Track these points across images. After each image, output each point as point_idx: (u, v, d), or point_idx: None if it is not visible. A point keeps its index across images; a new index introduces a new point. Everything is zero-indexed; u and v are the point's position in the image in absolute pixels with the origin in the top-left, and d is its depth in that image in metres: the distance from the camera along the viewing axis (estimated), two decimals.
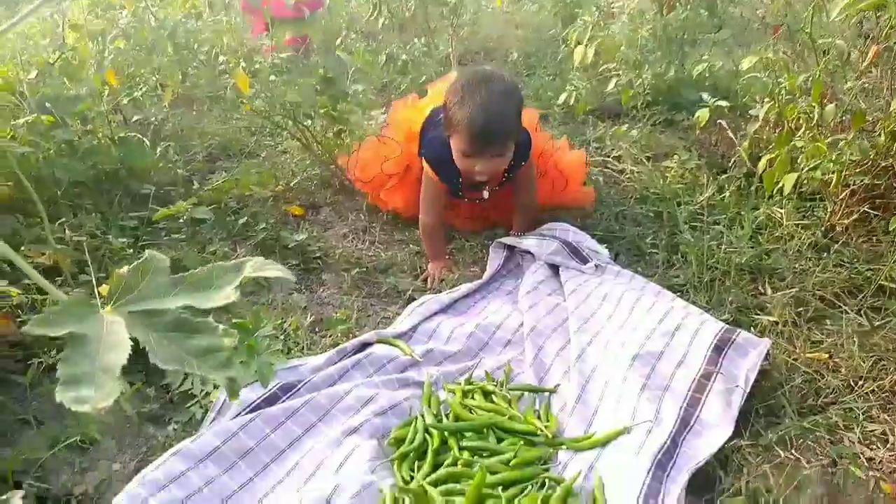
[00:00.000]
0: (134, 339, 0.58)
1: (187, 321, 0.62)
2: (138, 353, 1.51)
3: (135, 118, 2.64)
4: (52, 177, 2.10)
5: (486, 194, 2.12)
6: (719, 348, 1.55)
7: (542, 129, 2.52)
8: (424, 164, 2.10)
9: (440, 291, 1.95)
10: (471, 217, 2.37)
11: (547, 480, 1.25)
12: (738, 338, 1.57)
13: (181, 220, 2.19)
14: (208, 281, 0.65)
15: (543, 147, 2.34)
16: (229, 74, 2.28)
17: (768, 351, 1.58)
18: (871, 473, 1.36)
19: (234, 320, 1.61)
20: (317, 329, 1.81)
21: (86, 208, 2.19)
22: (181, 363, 0.59)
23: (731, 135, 2.47)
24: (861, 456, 1.40)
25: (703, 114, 2.28)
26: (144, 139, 2.47)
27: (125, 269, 0.63)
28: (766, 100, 2.08)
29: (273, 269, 0.66)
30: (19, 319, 1.64)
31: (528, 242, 2.06)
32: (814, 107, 1.89)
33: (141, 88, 2.49)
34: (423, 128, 2.26)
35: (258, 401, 1.47)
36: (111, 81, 2.38)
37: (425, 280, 2.07)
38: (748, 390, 1.46)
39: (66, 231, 1.97)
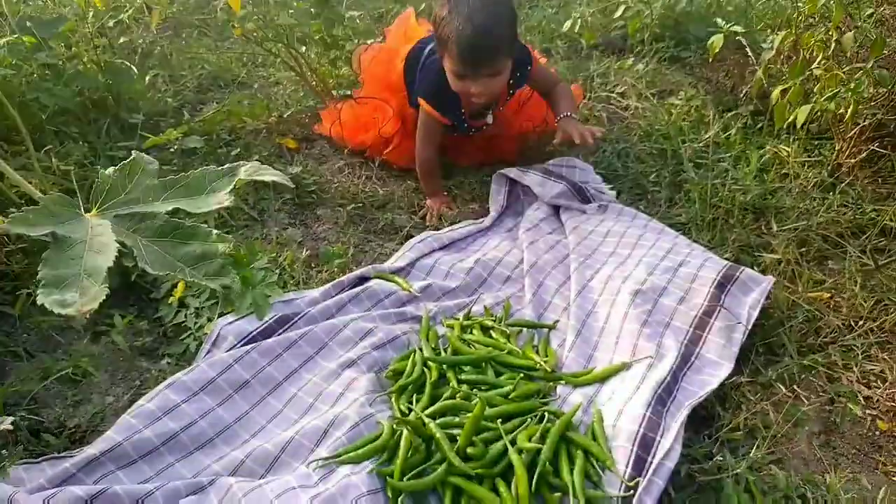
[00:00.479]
0: (121, 245, 0.54)
1: (179, 226, 0.58)
2: (129, 287, 1.47)
3: (121, 41, 2.52)
4: (37, 102, 2.02)
5: (489, 119, 2.03)
6: (722, 285, 1.52)
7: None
8: (421, 103, 1.97)
9: (439, 228, 1.91)
10: (475, 149, 2.26)
11: (546, 413, 1.25)
12: (741, 275, 1.55)
13: (172, 151, 2.13)
14: (201, 185, 0.61)
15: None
16: None
17: (770, 288, 1.57)
18: (867, 412, 1.37)
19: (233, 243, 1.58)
20: (312, 264, 1.78)
21: (72, 137, 2.11)
22: (172, 269, 0.55)
23: (750, 56, 2.38)
24: (859, 394, 1.40)
25: (716, 39, 2.18)
26: (132, 66, 2.37)
27: (110, 170, 0.58)
28: (782, 28, 1.99)
29: (269, 174, 0.62)
30: (5, 249, 1.59)
31: (532, 179, 1.98)
32: (831, 35, 1.81)
33: (127, 10, 2.37)
34: (405, 70, 2.11)
35: (254, 332, 1.45)
36: (96, 2, 2.26)
37: (424, 217, 2.02)
38: (749, 327, 1.45)
39: (53, 160, 1.90)
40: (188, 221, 0.57)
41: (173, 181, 0.60)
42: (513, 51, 1.85)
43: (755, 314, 1.47)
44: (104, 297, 0.50)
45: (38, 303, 0.50)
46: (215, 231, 0.58)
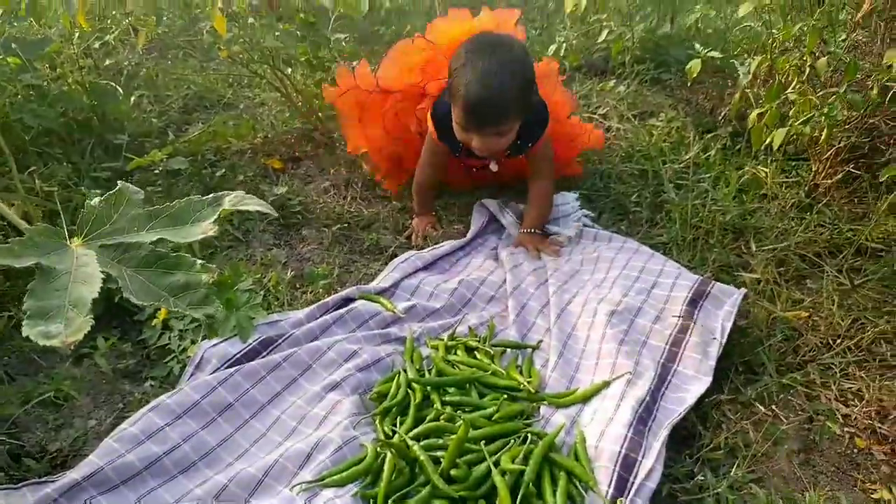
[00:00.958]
0: (106, 275, 0.55)
1: (163, 256, 0.59)
2: (113, 309, 1.47)
3: (106, 63, 2.53)
4: (21, 123, 2.02)
5: (493, 167, 1.96)
6: (694, 301, 1.57)
7: (561, 85, 2.22)
8: (429, 119, 1.94)
9: (423, 248, 1.92)
10: (480, 181, 2.21)
11: (529, 435, 1.26)
12: (712, 289, 1.60)
13: (157, 172, 2.13)
14: (185, 215, 0.61)
15: (559, 113, 2.11)
16: (206, 17, 2.18)
17: (743, 301, 1.60)
18: (846, 430, 1.39)
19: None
20: (297, 285, 1.78)
21: (56, 158, 2.11)
22: (157, 299, 0.56)
23: (727, 81, 2.43)
24: (837, 412, 1.42)
25: (694, 64, 2.23)
26: (117, 87, 2.38)
27: (96, 200, 0.59)
28: (758, 53, 2.04)
29: (253, 203, 0.63)
30: None
31: (508, 221, 2.02)
32: (806, 60, 1.86)
33: (113, 31, 2.38)
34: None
35: (238, 355, 1.45)
36: (81, 23, 2.27)
37: (409, 237, 2.03)
38: (724, 340, 1.47)
39: (36, 181, 1.90)
40: (172, 251, 0.58)
41: (158, 211, 0.60)
42: (523, 112, 1.77)
43: (729, 326, 1.51)
44: (89, 328, 0.51)
45: (24, 334, 0.51)
46: (199, 261, 0.59)
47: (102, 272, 0.55)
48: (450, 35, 2.02)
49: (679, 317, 1.54)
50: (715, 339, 1.47)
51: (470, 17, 2.10)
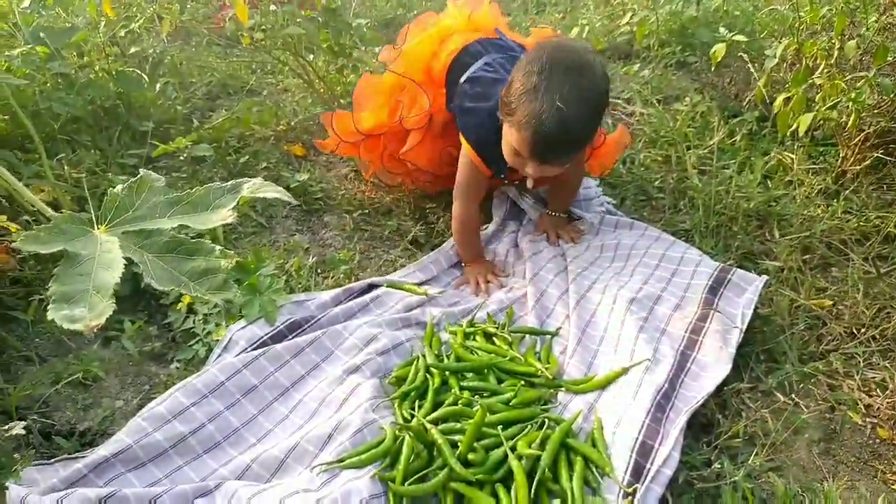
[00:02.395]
0: (128, 260, 0.57)
1: (183, 242, 0.60)
2: (139, 293, 1.50)
3: (132, 50, 2.56)
4: (50, 111, 2.06)
5: (530, 184, 1.67)
6: (714, 289, 1.56)
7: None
8: (464, 143, 1.71)
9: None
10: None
11: (546, 420, 1.26)
12: (733, 276, 1.59)
13: (182, 159, 2.16)
14: (205, 201, 0.63)
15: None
16: (229, 4, 2.19)
17: (764, 288, 1.59)
18: (868, 420, 1.37)
19: (235, 259, 1.61)
20: (319, 270, 1.80)
21: (84, 145, 2.15)
22: (177, 284, 0.58)
23: (751, 68, 2.38)
24: (859, 402, 1.41)
25: (719, 48, 2.19)
26: (143, 74, 2.41)
27: (119, 187, 0.61)
28: (786, 36, 2.00)
29: (271, 190, 0.64)
30: (19, 256, 1.63)
31: (527, 204, 2.01)
32: (834, 43, 1.81)
33: (138, 19, 2.41)
34: (449, 72, 1.83)
35: (265, 337, 1.47)
36: (107, 11, 2.31)
37: (467, 285, 1.76)
38: (744, 328, 1.47)
39: (65, 167, 1.94)
40: (196, 237, 0.60)
41: (179, 198, 0.62)
42: (595, 134, 1.59)
43: (749, 313, 1.49)
44: (111, 313, 0.52)
45: (49, 318, 0.53)
46: (218, 247, 0.61)
47: (125, 258, 0.57)
48: (417, 54, 1.88)
49: (699, 304, 1.53)
50: (736, 326, 1.46)
51: (435, 18, 1.97)
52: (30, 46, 2.04)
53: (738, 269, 1.63)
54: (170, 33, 2.62)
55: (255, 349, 1.43)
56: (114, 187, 0.58)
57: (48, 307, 0.53)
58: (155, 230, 0.60)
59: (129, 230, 0.59)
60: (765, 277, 1.59)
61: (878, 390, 1.43)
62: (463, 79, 1.75)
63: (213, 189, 0.61)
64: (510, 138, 1.50)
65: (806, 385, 1.45)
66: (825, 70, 1.87)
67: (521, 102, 1.43)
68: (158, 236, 0.59)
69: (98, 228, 0.60)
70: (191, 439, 1.26)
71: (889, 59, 1.86)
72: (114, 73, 2.29)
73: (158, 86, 2.50)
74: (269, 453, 1.23)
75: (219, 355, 1.43)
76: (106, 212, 0.58)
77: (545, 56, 1.44)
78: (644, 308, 1.53)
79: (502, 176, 1.78)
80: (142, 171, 0.64)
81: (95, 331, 0.58)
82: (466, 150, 1.70)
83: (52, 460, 1.21)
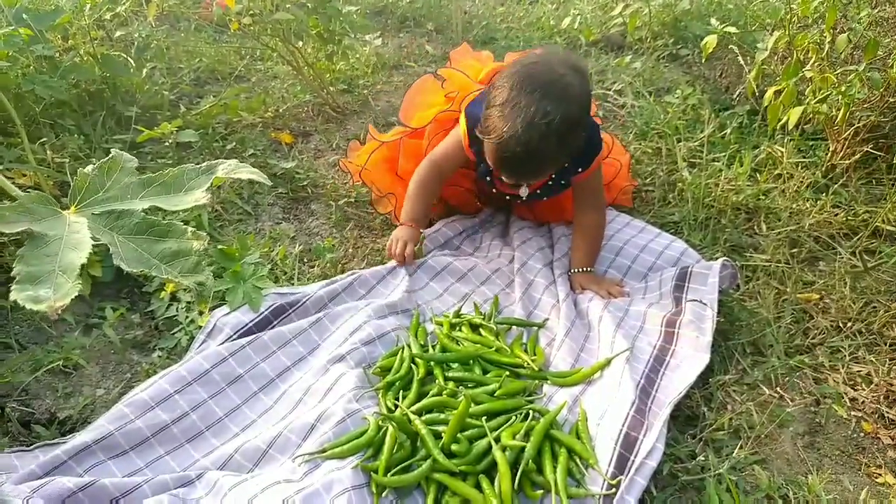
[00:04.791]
0: (97, 241, 0.55)
1: (155, 223, 0.58)
2: (122, 279, 1.47)
3: (118, 34, 2.52)
4: (33, 95, 2.02)
5: (523, 191, 1.67)
6: (680, 286, 1.59)
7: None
8: (461, 120, 1.69)
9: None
10: (518, 214, 1.97)
11: (531, 411, 1.26)
12: (693, 269, 1.61)
13: (167, 144, 2.13)
14: (178, 182, 0.61)
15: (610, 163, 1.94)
16: None
17: (736, 273, 1.61)
18: (853, 413, 1.38)
19: (219, 246, 1.59)
20: (305, 259, 1.78)
21: (68, 129, 2.12)
22: (148, 266, 0.56)
23: (740, 60, 2.38)
24: (845, 396, 1.41)
25: (710, 40, 2.17)
26: (129, 58, 2.37)
27: (89, 168, 0.59)
28: (777, 28, 1.99)
29: (246, 171, 0.62)
30: None
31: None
32: (825, 36, 1.81)
33: (124, 3, 2.37)
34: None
35: (250, 324, 1.46)
36: None
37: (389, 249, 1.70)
38: (716, 312, 1.47)
39: (48, 152, 1.91)
40: (166, 219, 0.58)
41: (151, 179, 0.60)
42: (566, 160, 1.55)
43: (716, 297, 1.50)
44: (76, 294, 0.51)
45: (11, 299, 0.51)
46: (190, 229, 0.59)
47: (94, 238, 0.55)
48: (472, 76, 1.86)
49: (671, 300, 1.57)
50: (706, 315, 1.45)
51: (492, 58, 1.95)
52: (12, 28, 2.00)
53: (696, 264, 1.66)
54: (157, 17, 2.58)
55: (240, 336, 1.41)
56: (82, 168, 0.56)
57: (12, 287, 0.51)
58: (125, 211, 0.58)
59: (99, 211, 0.57)
60: (722, 260, 1.58)
61: (863, 384, 1.44)
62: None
63: (186, 170, 0.60)
64: (486, 151, 1.52)
65: (791, 378, 1.45)
66: (816, 63, 1.86)
67: (490, 117, 1.43)
68: (129, 217, 0.58)
69: (69, 209, 0.58)
70: (173, 428, 1.24)
71: (880, 53, 1.86)
72: (99, 56, 2.25)
73: (145, 70, 2.46)
74: (251, 443, 1.22)
75: (203, 342, 1.42)
76: (76, 192, 0.57)
77: (517, 73, 1.42)
78: (620, 309, 1.57)
79: (489, 179, 1.72)
80: (113, 152, 0.62)
81: (59, 313, 0.56)
82: (460, 130, 1.68)
83: (32, 447, 1.20)
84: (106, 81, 2.27)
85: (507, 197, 1.78)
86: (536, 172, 1.52)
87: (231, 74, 2.83)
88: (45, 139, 1.97)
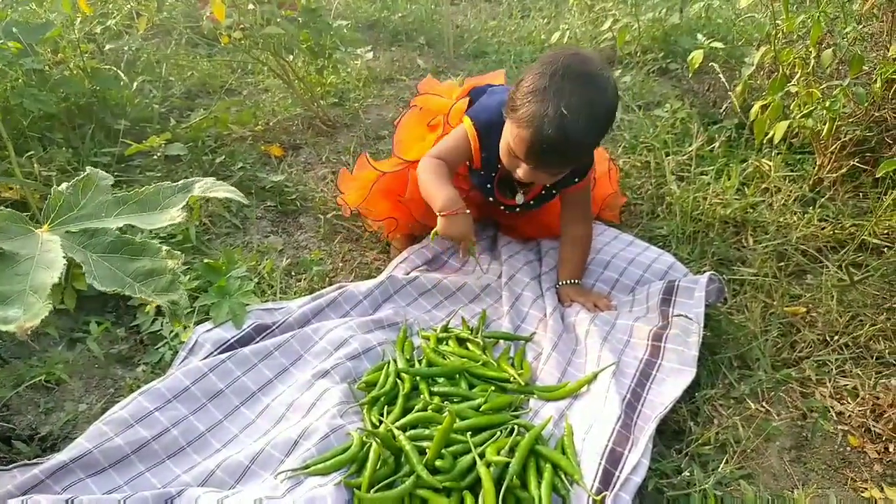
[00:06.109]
0: (71, 260, 0.54)
1: (129, 242, 0.58)
2: (106, 295, 1.46)
3: (108, 47, 2.53)
4: (21, 108, 2.02)
5: (519, 199, 1.69)
6: (667, 300, 1.58)
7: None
8: (466, 121, 1.65)
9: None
10: (504, 232, 1.96)
11: (516, 427, 1.25)
12: (680, 283, 1.60)
13: (156, 158, 2.13)
14: (154, 201, 0.61)
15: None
16: (207, 2, 2.17)
17: (723, 287, 1.60)
18: (839, 427, 1.37)
19: (206, 261, 1.58)
20: (292, 272, 1.78)
21: (57, 142, 2.12)
22: (121, 286, 0.56)
23: (723, 79, 2.40)
24: (831, 410, 1.40)
25: (696, 55, 2.19)
26: (119, 72, 2.38)
27: (64, 185, 0.59)
28: (762, 44, 2.01)
29: (223, 190, 0.62)
30: None
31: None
32: (811, 51, 1.82)
33: (115, 16, 2.38)
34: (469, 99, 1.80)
35: (231, 340, 1.45)
36: (83, 8, 2.27)
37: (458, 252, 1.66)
38: (702, 326, 1.46)
39: (35, 165, 1.91)
40: (138, 238, 0.58)
41: (126, 197, 0.60)
42: (591, 153, 1.59)
43: (702, 311, 1.49)
44: (47, 314, 0.50)
45: None
46: (165, 247, 0.59)
47: (66, 257, 0.54)
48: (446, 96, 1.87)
49: (658, 314, 1.56)
50: (692, 329, 1.45)
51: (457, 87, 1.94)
52: (1, 42, 2.00)
53: (683, 278, 1.65)
54: (147, 31, 2.58)
55: (221, 352, 1.40)
56: (55, 186, 0.56)
57: None
58: (100, 230, 0.57)
59: (73, 229, 0.57)
60: (708, 274, 1.58)
61: (849, 398, 1.43)
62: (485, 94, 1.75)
63: (162, 188, 0.59)
64: (509, 136, 1.47)
65: (778, 392, 1.45)
66: (802, 78, 1.88)
67: (526, 101, 1.39)
68: (103, 236, 0.57)
69: (42, 227, 0.58)
70: (154, 444, 1.23)
71: (865, 67, 1.88)
72: (89, 70, 2.25)
73: (136, 84, 2.46)
74: (233, 459, 1.21)
75: (184, 358, 1.41)
76: (49, 211, 0.56)
77: (560, 61, 1.39)
78: (607, 323, 1.56)
79: (489, 186, 1.71)
80: (88, 170, 0.62)
81: (27, 333, 0.56)
82: (466, 127, 1.64)
83: (10, 466, 1.18)
84: (95, 95, 2.28)
85: (501, 206, 1.77)
86: (569, 161, 1.48)
87: (222, 88, 2.84)
88: (32, 152, 1.97)
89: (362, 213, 1.89)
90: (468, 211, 1.56)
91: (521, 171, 1.49)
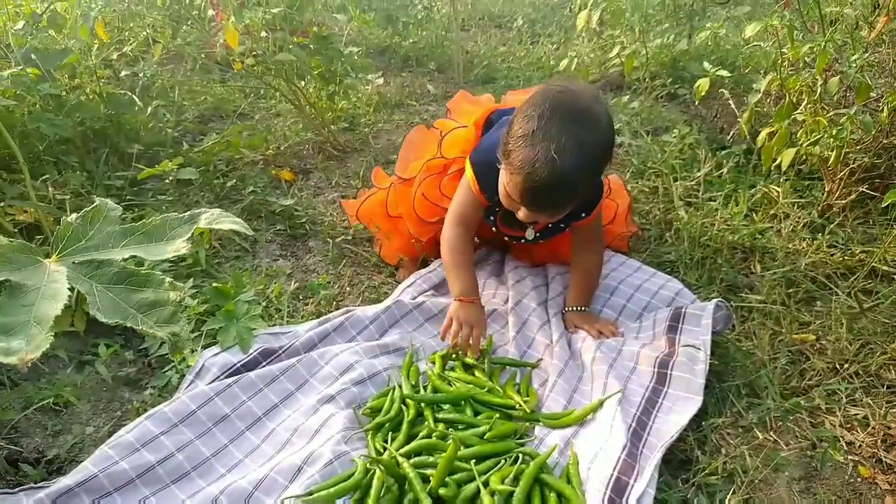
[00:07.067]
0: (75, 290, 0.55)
1: (133, 273, 0.59)
2: None
3: (123, 73, 2.58)
4: (37, 132, 2.07)
5: (529, 234, 1.68)
6: (674, 327, 1.57)
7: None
8: (468, 168, 1.65)
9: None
10: (515, 255, 1.96)
11: (521, 455, 1.24)
12: (686, 310, 1.59)
13: (168, 181, 2.16)
14: (161, 232, 0.62)
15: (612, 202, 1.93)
16: (220, 29, 2.21)
17: (731, 314, 1.59)
18: (850, 457, 1.35)
19: (214, 284, 1.60)
20: (300, 296, 1.79)
21: (71, 166, 2.16)
22: (124, 317, 0.57)
23: (732, 105, 2.41)
24: (841, 439, 1.39)
25: (702, 83, 2.20)
26: (134, 96, 2.42)
27: (73, 216, 0.60)
28: (769, 72, 2.02)
29: (229, 221, 0.63)
30: None
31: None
32: (817, 79, 1.83)
33: (131, 43, 2.43)
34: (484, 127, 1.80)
35: (238, 365, 1.46)
36: (100, 34, 2.33)
37: (445, 335, 1.57)
38: (709, 354, 1.45)
39: (50, 189, 1.94)
40: (143, 270, 0.59)
41: (133, 228, 0.61)
42: (589, 195, 1.56)
43: (709, 339, 1.48)
44: (48, 346, 0.51)
45: None
46: (168, 279, 0.60)
47: (71, 288, 0.56)
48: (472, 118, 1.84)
49: (664, 341, 1.55)
50: (699, 356, 1.44)
51: (493, 101, 1.94)
52: (20, 68, 2.05)
53: (690, 305, 1.64)
54: (162, 57, 2.64)
55: (227, 376, 1.41)
56: (65, 217, 0.57)
57: None
58: (106, 260, 0.58)
59: (80, 260, 0.58)
60: (715, 301, 1.57)
61: (859, 427, 1.42)
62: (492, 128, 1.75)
63: (169, 219, 0.61)
64: (504, 179, 1.44)
65: (787, 421, 1.43)
66: (809, 106, 1.88)
67: (516, 146, 1.37)
68: (109, 267, 0.58)
69: (51, 258, 0.59)
70: (158, 469, 1.23)
71: (872, 95, 1.88)
72: (104, 95, 2.30)
73: (150, 109, 2.51)
74: (237, 485, 1.21)
75: (191, 382, 1.41)
76: (58, 241, 0.57)
77: (547, 101, 1.36)
78: (613, 350, 1.55)
79: (493, 219, 1.71)
80: (97, 200, 0.63)
81: (28, 366, 0.57)
82: (468, 175, 1.64)
83: (16, 490, 1.19)
84: (110, 119, 2.32)
85: (507, 237, 1.77)
86: (565, 203, 1.44)
87: (234, 112, 2.89)
88: (47, 176, 2.01)
89: (362, 220, 1.99)
90: (483, 305, 1.63)
91: (521, 214, 1.48)
